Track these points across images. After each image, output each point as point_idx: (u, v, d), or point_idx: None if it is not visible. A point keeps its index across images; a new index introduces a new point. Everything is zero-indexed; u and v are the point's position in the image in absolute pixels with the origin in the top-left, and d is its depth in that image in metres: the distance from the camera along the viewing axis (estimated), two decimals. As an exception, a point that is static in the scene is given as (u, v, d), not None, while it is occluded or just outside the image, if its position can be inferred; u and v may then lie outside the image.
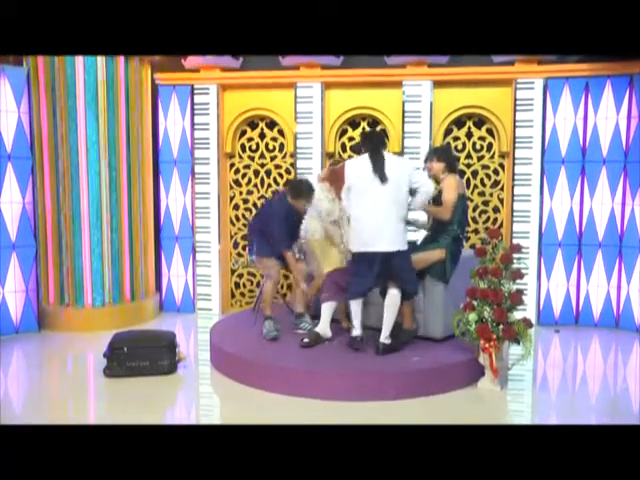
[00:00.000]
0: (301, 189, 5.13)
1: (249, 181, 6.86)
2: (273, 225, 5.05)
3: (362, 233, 4.53)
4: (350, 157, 6.33)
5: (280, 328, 5.10)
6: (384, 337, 4.59)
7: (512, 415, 4.24)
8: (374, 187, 4.47)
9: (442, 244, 4.78)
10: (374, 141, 4.68)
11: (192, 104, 6.64)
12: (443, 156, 4.94)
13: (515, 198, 6.27)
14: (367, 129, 6.53)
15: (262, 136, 6.81)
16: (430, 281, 4.85)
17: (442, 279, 4.81)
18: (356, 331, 4.68)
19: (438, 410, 4.14)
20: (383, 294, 4.66)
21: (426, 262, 4.78)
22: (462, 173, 6.47)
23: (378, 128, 6.54)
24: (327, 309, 4.87)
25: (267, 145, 6.80)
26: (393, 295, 4.59)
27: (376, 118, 6.51)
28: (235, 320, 5.82)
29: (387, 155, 4.60)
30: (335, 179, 5.56)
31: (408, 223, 4.73)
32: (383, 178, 4.44)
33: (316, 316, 5.36)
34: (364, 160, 4.57)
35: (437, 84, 6.30)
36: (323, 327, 4.88)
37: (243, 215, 6.89)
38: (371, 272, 4.53)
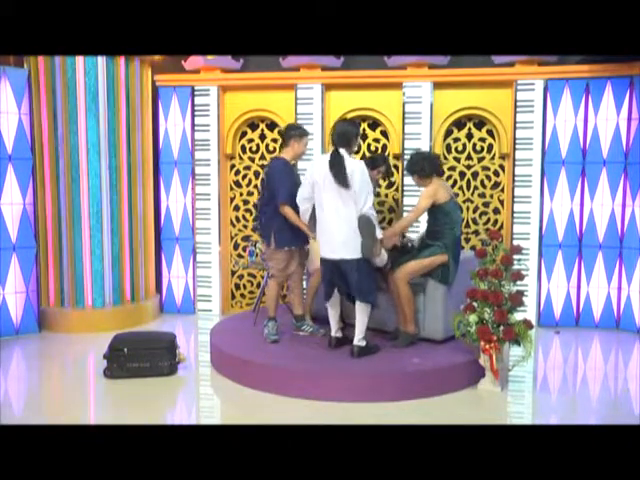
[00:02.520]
0: (294, 125, 5.04)
1: (249, 182, 6.86)
2: (274, 181, 4.78)
3: (320, 237, 4.58)
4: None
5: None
6: (357, 339, 4.54)
7: (512, 416, 4.23)
8: (326, 192, 4.44)
9: (443, 247, 4.77)
10: (336, 136, 4.55)
11: (192, 105, 6.65)
12: (409, 170, 4.94)
13: (515, 199, 6.27)
14: (367, 129, 6.54)
15: (262, 137, 6.82)
16: (431, 283, 4.84)
17: (446, 282, 4.81)
18: (331, 332, 4.77)
19: (438, 411, 4.13)
20: (351, 300, 4.62)
21: (430, 267, 4.78)
22: (462, 174, 6.48)
23: (377, 130, 6.55)
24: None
25: (267, 146, 6.81)
26: None
27: (376, 119, 6.52)
28: (235, 321, 5.82)
29: (346, 158, 4.42)
30: None
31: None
32: (343, 182, 4.35)
33: (316, 318, 5.37)
34: (324, 161, 4.50)
35: (437, 85, 6.30)
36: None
37: (243, 216, 6.89)
38: (326, 277, 4.64)
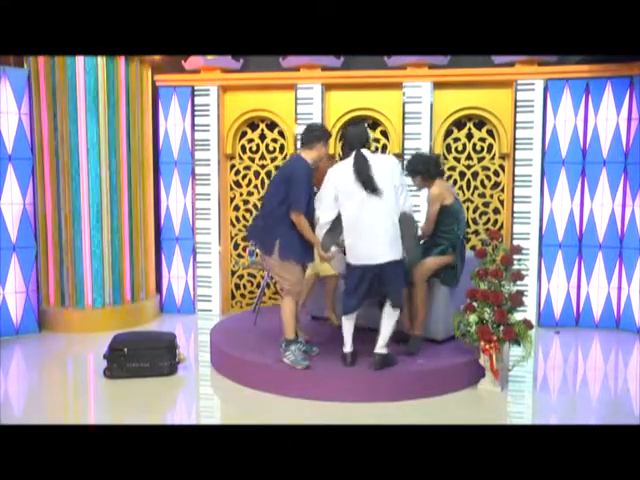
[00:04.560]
0: (316, 129, 4.44)
1: (249, 182, 6.86)
2: (294, 183, 4.22)
3: (354, 247, 4.22)
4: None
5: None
6: (380, 346, 4.31)
7: (512, 416, 4.23)
8: (362, 196, 4.14)
9: (451, 248, 4.71)
10: (352, 140, 4.30)
11: (192, 105, 6.65)
12: (412, 170, 4.79)
13: (515, 199, 6.27)
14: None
15: (262, 137, 6.82)
16: (432, 282, 4.83)
17: (450, 284, 4.79)
18: (346, 348, 4.40)
19: (438, 411, 4.13)
20: (381, 305, 4.41)
21: (437, 267, 4.71)
22: (462, 174, 6.48)
23: (378, 130, 6.55)
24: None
25: (267, 146, 6.81)
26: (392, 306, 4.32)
27: (376, 119, 6.51)
28: (235, 321, 5.82)
29: (370, 156, 4.20)
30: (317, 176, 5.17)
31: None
32: (372, 188, 4.11)
33: (314, 317, 5.37)
34: (348, 165, 4.22)
35: (437, 85, 6.30)
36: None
37: (243, 216, 6.89)
38: (361, 286, 4.25)
